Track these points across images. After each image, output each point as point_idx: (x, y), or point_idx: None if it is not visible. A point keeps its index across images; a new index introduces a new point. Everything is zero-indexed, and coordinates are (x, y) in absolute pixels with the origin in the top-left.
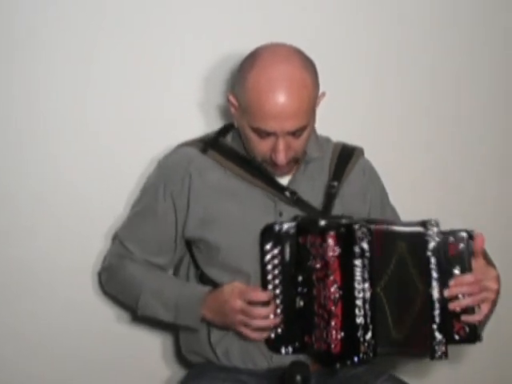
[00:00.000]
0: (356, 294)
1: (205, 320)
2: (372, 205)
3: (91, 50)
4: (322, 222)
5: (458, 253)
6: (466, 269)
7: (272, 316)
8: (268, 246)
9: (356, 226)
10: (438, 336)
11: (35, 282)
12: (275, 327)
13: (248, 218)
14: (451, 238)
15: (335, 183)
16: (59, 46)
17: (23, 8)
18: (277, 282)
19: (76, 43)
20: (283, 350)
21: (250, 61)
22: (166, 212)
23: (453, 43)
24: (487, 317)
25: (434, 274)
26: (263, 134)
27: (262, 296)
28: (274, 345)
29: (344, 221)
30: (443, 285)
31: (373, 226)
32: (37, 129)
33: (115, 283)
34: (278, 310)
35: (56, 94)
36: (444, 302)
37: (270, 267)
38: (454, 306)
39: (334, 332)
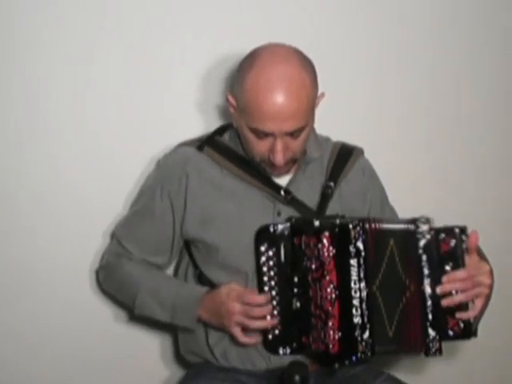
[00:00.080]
0: (352, 293)
1: (201, 320)
2: (371, 205)
3: (91, 50)
4: (317, 223)
5: (451, 249)
6: (458, 265)
7: (269, 317)
8: (263, 248)
9: (351, 226)
10: (432, 333)
11: (35, 281)
12: (272, 328)
13: (246, 218)
14: (443, 235)
15: (331, 183)
16: (59, 46)
17: (23, 8)
18: (273, 283)
19: (76, 43)
20: (281, 351)
21: (249, 61)
22: (163, 212)
23: (453, 43)
24: (481, 312)
25: (426, 271)
26: (261, 134)
27: (259, 299)
28: (271, 346)
29: (338, 221)
30: (436, 281)
31: (367, 225)
32: (37, 129)
33: (113, 281)
34: (275, 312)
35: (56, 94)
36: (437, 298)
37: (265, 269)
38: (447, 303)
39: (331, 332)
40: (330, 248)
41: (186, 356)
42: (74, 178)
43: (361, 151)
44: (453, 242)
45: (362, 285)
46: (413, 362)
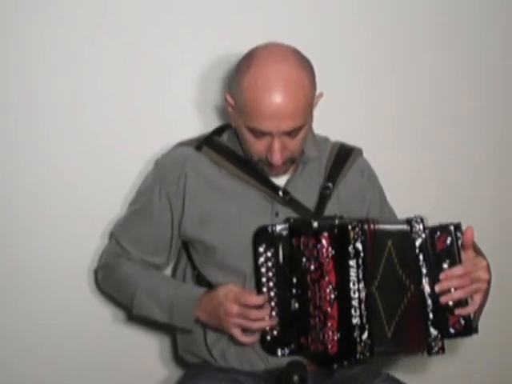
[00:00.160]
0: (351, 294)
1: (199, 321)
2: (370, 206)
3: (89, 50)
4: (315, 224)
5: (447, 246)
6: (455, 262)
7: (267, 318)
8: (261, 249)
9: (350, 227)
10: (434, 332)
11: (33, 281)
12: (271, 329)
13: (244, 219)
14: (438, 233)
15: (329, 184)
16: (58, 46)
17: (22, 8)
18: (271, 284)
19: (75, 43)
20: (279, 352)
21: (247, 61)
22: (162, 212)
23: (450, 43)
24: (481, 307)
25: (424, 271)
26: (259, 133)
27: (257, 300)
28: (269, 347)
29: (337, 222)
30: (434, 280)
31: (366, 226)
32: (35, 129)
33: (111, 281)
34: (274, 313)
35: (54, 94)
36: (436, 297)
37: (263, 269)
38: (445, 300)
39: (330, 333)
40: (329, 249)
41: (184, 356)
42: (71, 177)
43: (360, 152)
44: (448, 240)
45: (361, 285)
46: (412, 361)
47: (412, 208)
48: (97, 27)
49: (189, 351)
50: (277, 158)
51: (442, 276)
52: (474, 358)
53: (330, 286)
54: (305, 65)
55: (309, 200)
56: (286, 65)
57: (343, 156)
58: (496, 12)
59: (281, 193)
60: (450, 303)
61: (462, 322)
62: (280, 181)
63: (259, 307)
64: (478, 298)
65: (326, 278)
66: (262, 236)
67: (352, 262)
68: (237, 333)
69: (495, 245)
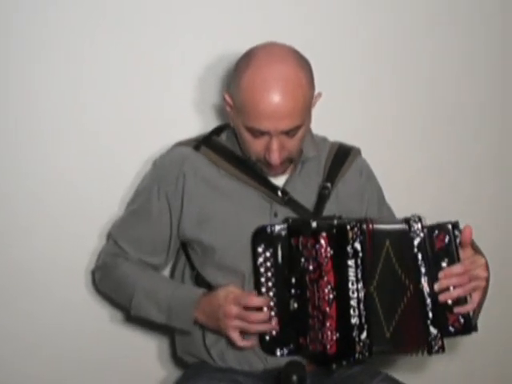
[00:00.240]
0: (350, 294)
1: (197, 323)
2: (369, 205)
3: (89, 50)
4: (314, 224)
5: (445, 245)
6: (454, 260)
7: (266, 317)
8: (260, 249)
9: (348, 227)
10: (433, 331)
11: (32, 281)
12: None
13: (243, 219)
14: (436, 232)
15: (328, 184)
16: (58, 46)
17: (22, 8)
18: (270, 284)
19: (74, 43)
20: (278, 353)
21: (246, 60)
22: (160, 212)
23: (448, 43)
24: (480, 305)
25: (423, 270)
26: (257, 133)
27: (258, 301)
28: (268, 347)
29: (336, 221)
30: (433, 279)
31: (364, 226)
32: (34, 129)
33: (109, 282)
34: (273, 313)
35: (53, 94)
36: (435, 296)
37: (262, 270)
38: (444, 298)
39: (329, 333)
40: (328, 249)
41: (183, 357)
42: (70, 178)
43: (358, 151)
44: (447, 238)
45: (360, 285)
46: (411, 361)
47: (411, 207)
48: (97, 27)
49: (187, 352)
50: (275, 157)
51: (440, 275)
52: (474, 357)
53: (329, 286)
54: (303, 65)
55: (307, 200)
56: (285, 64)
57: (342, 156)
58: (495, 12)
59: (279, 193)
60: (449, 302)
61: (462, 320)
62: (279, 181)
63: (259, 309)
64: (476, 296)
65: (325, 278)
66: (261, 236)
67: (351, 262)
68: (235, 336)
69: (494, 244)
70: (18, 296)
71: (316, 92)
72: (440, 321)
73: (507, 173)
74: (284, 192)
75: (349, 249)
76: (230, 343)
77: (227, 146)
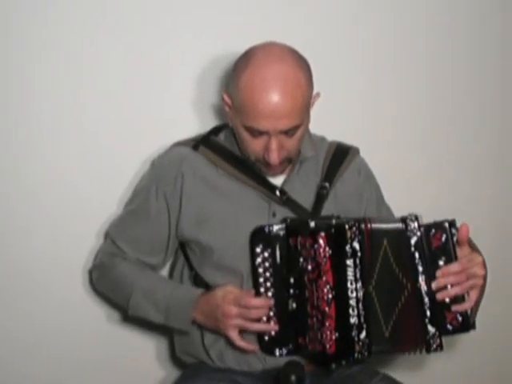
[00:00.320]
0: (349, 293)
1: (196, 323)
2: (368, 205)
3: (89, 50)
4: (312, 224)
5: (442, 244)
6: (451, 259)
7: (265, 319)
8: (258, 249)
9: (347, 226)
10: (431, 329)
11: (31, 281)
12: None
13: (241, 219)
14: (433, 230)
15: (326, 184)
16: (58, 46)
17: (21, 8)
18: (269, 284)
19: (74, 42)
20: (277, 353)
21: (244, 60)
22: (158, 212)
23: (448, 43)
24: (477, 303)
25: (420, 269)
26: (256, 132)
27: (257, 302)
28: (267, 347)
29: (334, 221)
30: (430, 278)
31: (363, 226)
32: (33, 129)
33: (106, 281)
34: (271, 313)
35: (53, 94)
36: (433, 294)
37: (261, 270)
38: (442, 296)
39: (328, 333)
40: (326, 248)
41: (181, 357)
42: (69, 177)
43: (356, 151)
44: (444, 237)
45: (359, 285)
46: (410, 359)
47: (410, 207)
48: (96, 27)
49: (186, 352)
50: (274, 157)
51: (438, 273)
52: (472, 355)
53: (328, 286)
54: (302, 64)
55: (306, 200)
56: (284, 64)
57: (340, 155)
58: (495, 12)
59: (278, 192)
60: (447, 300)
61: (460, 318)
62: (277, 180)
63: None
64: (474, 294)
65: (324, 278)
66: (259, 236)
67: (349, 262)
68: (234, 335)
69: (493, 243)
70: (16, 296)
71: (315, 92)
72: (438, 319)
73: (507, 173)
74: (282, 192)
75: (347, 248)
76: (229, 343)
77: (226, 146)
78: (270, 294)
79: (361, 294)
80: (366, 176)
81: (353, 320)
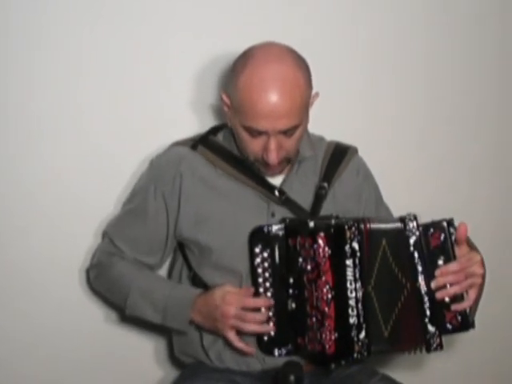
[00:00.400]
0: (348, 294)
1: (193, 323)
2: (366, 205)
3: (88, 50)
4: (311, 224)
5: (441, 243)
6: (450, 258)
7: (264, 318)
8: (257, 249)
9: (346, 226)
10: (431, 329)
11: (28, 281)
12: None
13: (240, 219)
14: (431, 230)
15: (325, 184)
16: (56, 46)
17: (21, 8)
18: (268, 284)
19: (73, 43)
20: (276, 353)
21: (243, 60)
22: (157, 212)
23: (447, 43)
24: (476, 302)
25: (419, 268)
26: (255, 132)
27: (256, 302)
28: (266, 348)
29: (333, 221)
30: (430, 277)
31: (362, 226)
32: (31, 129)
33: (104, 281)
34: (270, 313)
35: (51, 94)
36: (432, 294)
37: (260, 270)
38: (441, 295)
39: (327, 333)
40: (326, 249)
41: (180, 357)
42: (67, 177)
43: (355, 150)
44: (442, 236)
45: (358, 285)
46: (409, 359)
47: (408, 207)
48: (96, 27)
49: (185, 352)
50: (273, 157)
51: (437, 272)
52: (471, 354)
53: (327, 286)
54: (301, 64)
55: (304, 200)
56: (282, 64)
57: (339, 155)
58: (492, 12)
59: (277, 192)
60: (447, 299)
61: (459, 317)
62: (275, 180)
63: (257, 309)
64: (473, 293)
65: (323, 278)
66: (258, 236)
67: (349, 262)
68: (232, 336)
69: (491, 243)
70: (13, 295)
71: (314, 92)
72: (437, 318)
73: (505, 173)
74: (281, 192)
75: (347, 248)
76: (228, 344)
77: (224, 146)
78: (269, 294)
79: (360, 294)
80: (365, 176)
81: (352, 320)
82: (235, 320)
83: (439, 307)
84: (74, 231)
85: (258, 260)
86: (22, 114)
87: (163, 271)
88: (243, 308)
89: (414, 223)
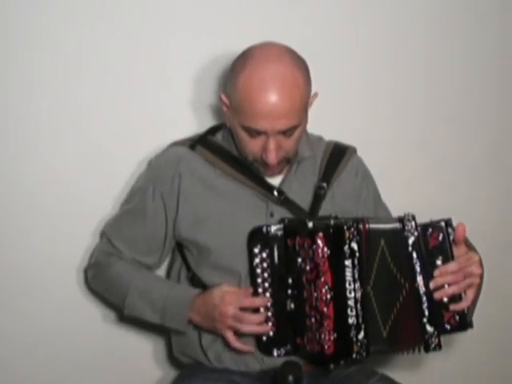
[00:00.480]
0: (347, 294)
1: (192, 323)
2: (365, 205)
3: (88, 50)
4: (310, 224)
5: (439, 243)
6: (448, 258)
7: (262, 319)
8: (256, 250)
9: (345, 227)
10: (430, 329)
11: (28, 281)
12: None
13: (239, 219)
14: (430, 230)
15: (324, 184)
16: (55, 46)
17: (20, 7)
18: (266, 285)
19: (73, 43)
20: (275, 353)
21: (242, 60)
22: (155, 212)
23: (446, 43)
24: (474, 302)
25: (418, 268)
26: (254, 132)
27: (254, 302)
28: (265, 348)
29: (332, 222)
30: (428, 277)
31: (361, 226)
32: (30, 129)
33: (102, 280)
34: (269, 313)
35: (51, 94)
36: (431, 294)
37: (259, 270)
38: (440, 295)
39: (326, 333)
40: (325, 249)
41: (178, 357)
42: (67, 177)
43: (354, 150)
44: (440, 236)
45: (357, 285)
46: (408, 359)
47: (408, 207)
48: (95, 27)
49: (183, 353)
50: (272, 157)
51: (435, 273)
52: (470, 354)
53: (326, 286)
54: (300, 64)
55: (303, 200)
56: (282, 64)
57: (337, 155)
58: (492, 12)
59: (275, 192)
60: (445, 299)
61: (457, 317)
62: (274, 181)
63: (256, 309)
64: (471, 293)
65: (322, 279)
66: (257, 237)
67: (348, 262)
68: (230, 336)
69: (490, 243)
70: (13, 295)
71: (313, 92)
72: (436, 318)
73: (504, 173)
74: (280, 192)
75: (346, 249)
76: (227, 344)
77: (223, 146)
78: (268, 294)
79: (359, 294)
80: (364, 176)
81: (351, 320)
82: (233, 320)
83: (438, 307)
84: (73, 231)
85: (257, 260)
86: (21, 114)
87: (161, 271)
88: (241, 308)
89: (413, 223)
